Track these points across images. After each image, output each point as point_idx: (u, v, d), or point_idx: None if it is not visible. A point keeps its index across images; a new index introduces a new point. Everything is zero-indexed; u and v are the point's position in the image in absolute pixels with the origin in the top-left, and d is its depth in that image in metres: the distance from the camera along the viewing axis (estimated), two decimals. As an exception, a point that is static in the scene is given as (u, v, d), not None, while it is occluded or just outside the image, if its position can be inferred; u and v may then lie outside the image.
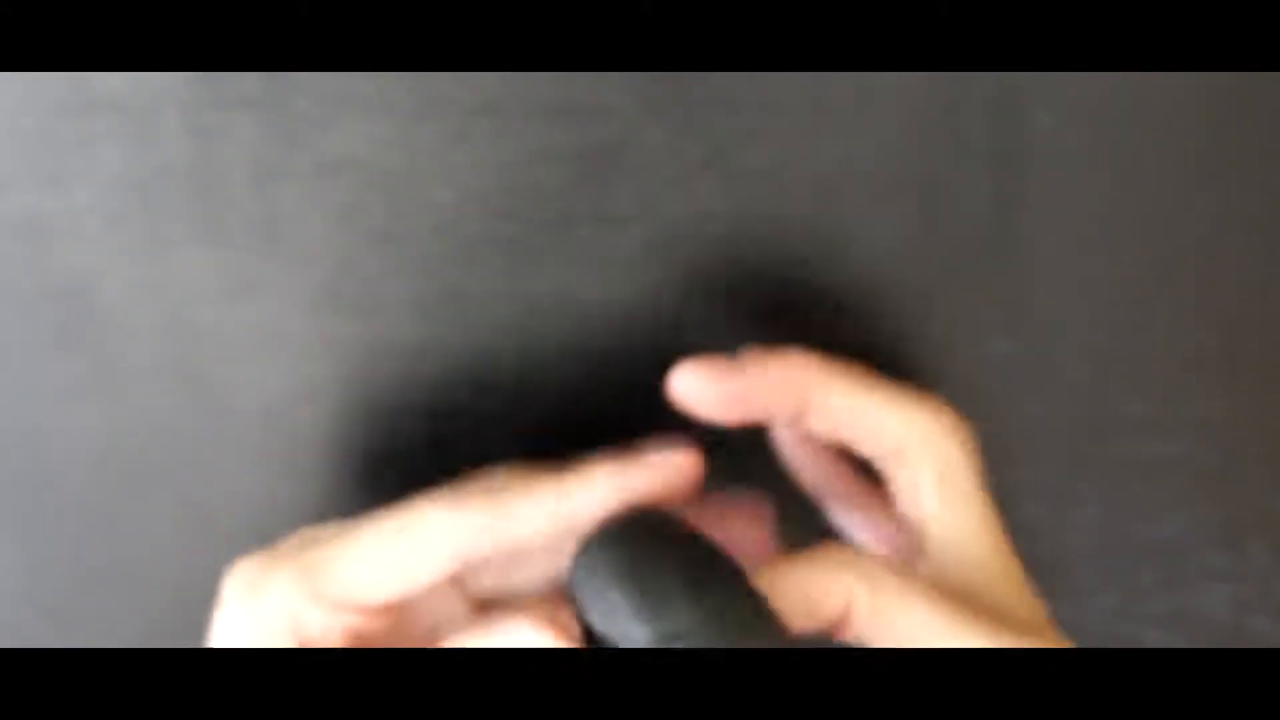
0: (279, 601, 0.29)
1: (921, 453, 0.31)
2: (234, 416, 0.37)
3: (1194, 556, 0.38)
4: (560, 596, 0.33)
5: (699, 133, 0.35)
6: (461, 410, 0.37)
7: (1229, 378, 0.37)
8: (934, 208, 0.36)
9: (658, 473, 0.30)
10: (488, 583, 0.33)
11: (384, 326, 0.37)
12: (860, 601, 0.29)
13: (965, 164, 0.35)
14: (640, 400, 0.37)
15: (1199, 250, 0.36)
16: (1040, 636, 0.29)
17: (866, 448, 0.32)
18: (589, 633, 0.29)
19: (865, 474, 0.36)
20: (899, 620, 0.29)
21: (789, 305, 0.36)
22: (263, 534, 0.38)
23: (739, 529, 0.33)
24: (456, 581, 0.33)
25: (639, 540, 0.28)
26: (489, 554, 0.30)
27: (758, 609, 0.28)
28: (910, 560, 0.33)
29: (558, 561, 0.32)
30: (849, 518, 0.35)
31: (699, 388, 0.31)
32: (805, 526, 0.38)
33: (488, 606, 0.33)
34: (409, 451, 0.38)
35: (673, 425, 0.37)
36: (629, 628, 0.27)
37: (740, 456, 0.37)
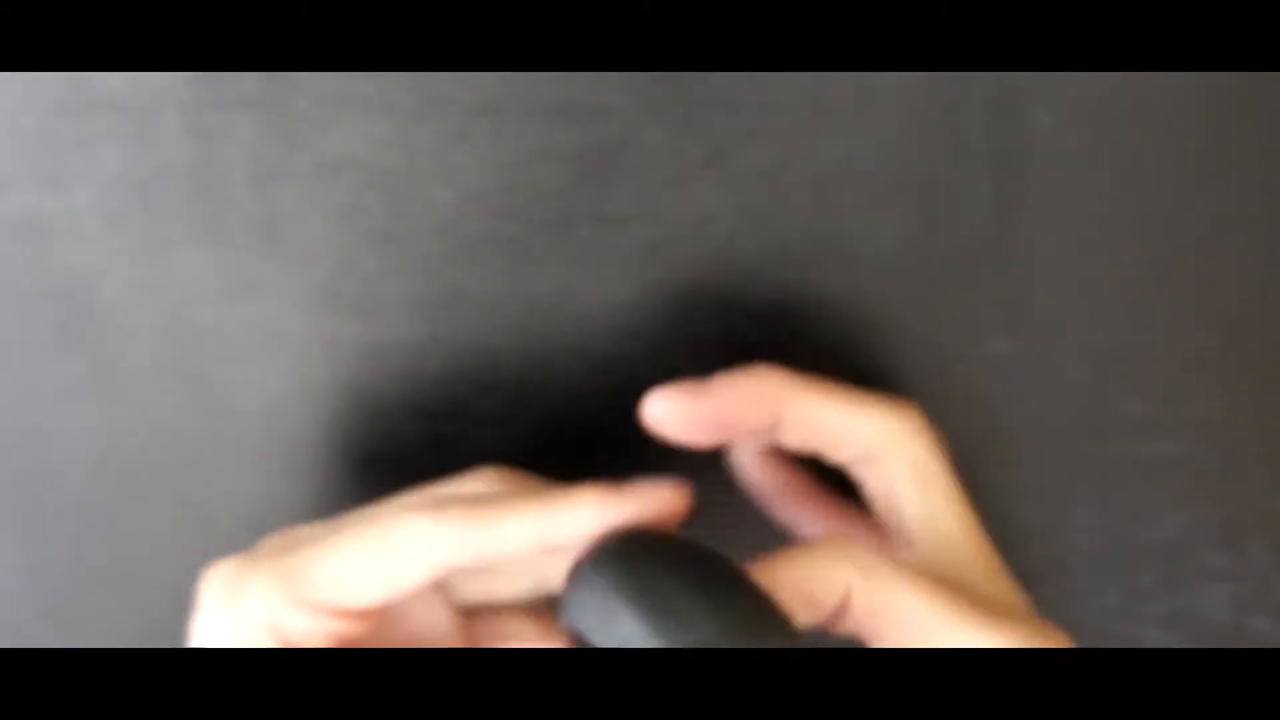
0: (258, 605, 0.29)
1: (895, 454, 0.32)
2: (234, 416, 0.37)
3: (1194, 556, 0.38)
4: (546, 609, 0.33)
5: (699, 133, 0.35)
6: (461, 410, 0.37)
7: (1229, 378, 0.37)
8: (934, 208, 0.36)
9: (644, 502, 0.30)
10: (472, 589, 0.33)
11: (384, 326, 0.37)
12: (858, 592, 0.29)
13: (965, 164, 0.35)
14: (640, 400, 0.37)
15: (1199, 250, 0.36)
16: (1028, 624, 0.30)
17: (839, 455, 0.32)
18: (573, 637, 0.29)
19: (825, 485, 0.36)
20: (895, 609, 0.29)
21: (789, 305, 0.36)
22: (263, 534, 0.38)
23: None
24: (440, 587, 0.33)
25: (646, 556, 0.28)
26: (470, 565, 0.29)
27: (772, 612, 0.28)
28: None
29: (543, 571, 0.33)
30: (816, 525, 0.35)
31: (672, 412, 0.32)
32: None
33: (472, 613, 0.33)
34: (409, 451, 0.38)
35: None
36: (645, 643, 0.27)
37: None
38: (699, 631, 0.27)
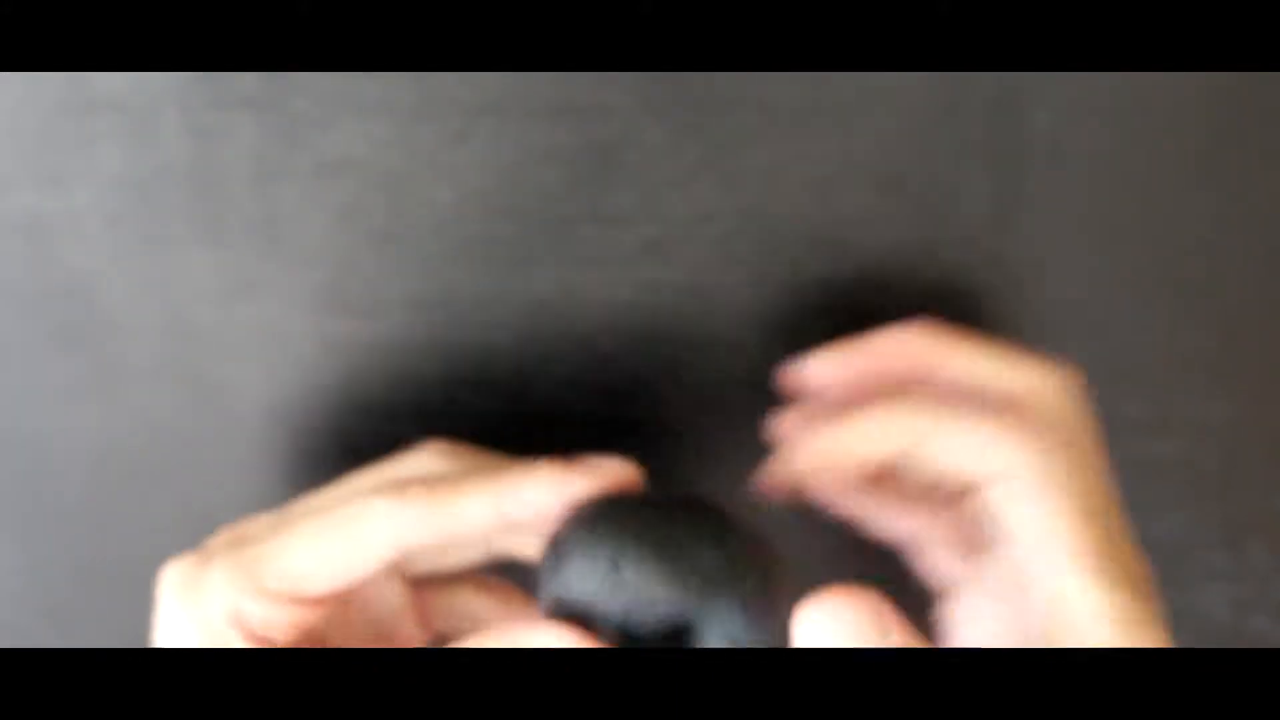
0: (219, 597, 0.29)
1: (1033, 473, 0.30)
2: (234, 416, 0.37)
3: (1194, 556, 0.38)
4: (491, 576, 0.33)
5: (699, 133, 0.35)
6: (461, 410, 0.37)
7: (1229, 378, 0.37)
8: (934, 208, 0.36)
9: (598, 474, 0.30)
10: (423, 564, 0.33)
11: (384, 326, 0.37)
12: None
13: (965, 164, 0.35)
14: (640, 400, 0.37)
15: (1199, 250, 0.36)
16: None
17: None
18: (565, 611, 0.29)
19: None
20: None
21: (789, 305, 0.36)
22: (263, 534, 0.38)
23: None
24: (392, 564, 0.33)
25: (634, 512, 0.29)
26: (430, 545, 0.30)
27: (768, 544, 0.28)
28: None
29: (493, 542, 0.33)
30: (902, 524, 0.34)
31: (831, 372, 0.33)
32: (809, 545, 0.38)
33: (422, 585, 0.34)
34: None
35: (672, 424, 0.37)
36: (655, 591, 0.28)
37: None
38: (709, 569, 0.28)
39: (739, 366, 0.37)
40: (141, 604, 0.39)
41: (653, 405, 0.37)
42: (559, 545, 0.29)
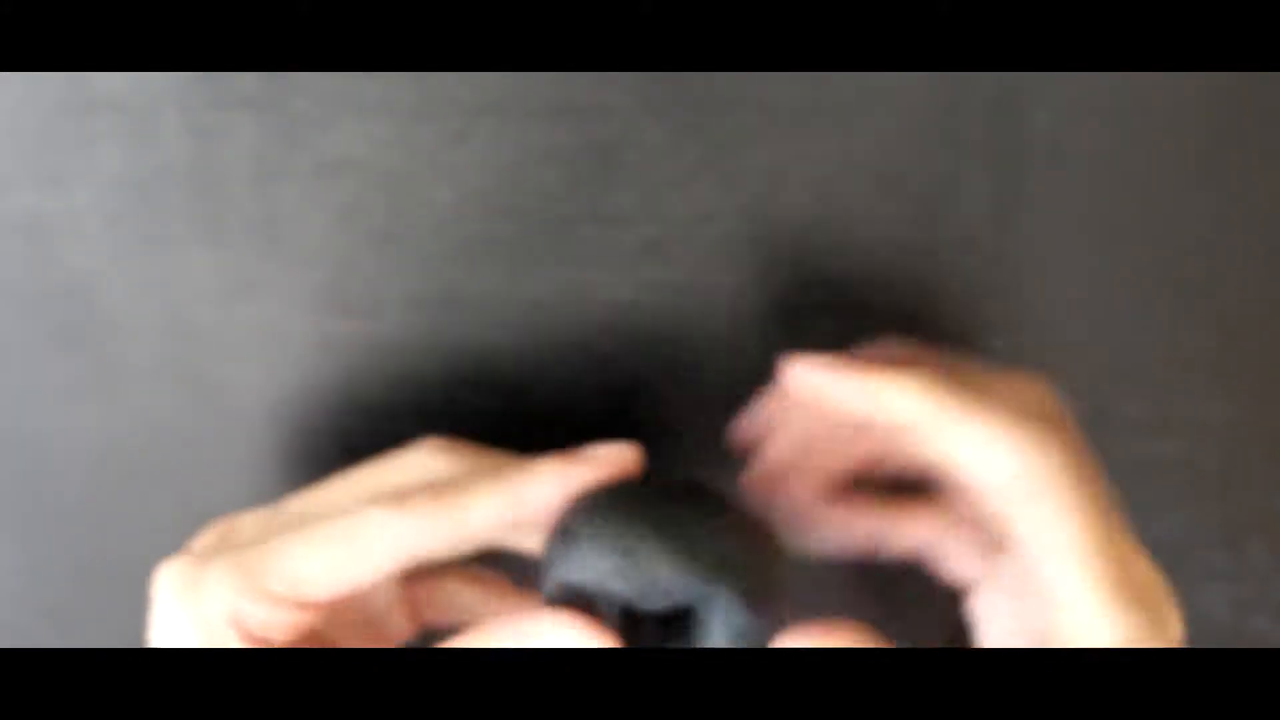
0: (218, 598, 0.29)
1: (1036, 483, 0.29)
2: (234, 416, 0.37)
3: (1194, 556, 0.38)
4: (480, 566, 0.33)
5: (699, 133, 0.35)
6: (461, 410, 0.37)
7: (1229, 378, 0.37)
8: (934, 208, 0.36)
9: (601, 463, 0.30)
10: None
11: (384, 326, 0.37)
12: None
13: (965, 164, 0.35)
14: (640, 400, 0.37)
15: (1199, 250, 0.36)
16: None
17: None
18: (571, 595, 0.29)
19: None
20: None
21: (789, 305, 0.36)
22: (263, 534, 0.38)
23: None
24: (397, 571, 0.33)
25: (641, 497, 0.29)
26: (437, 552, 0.30)
27: (766, 523, 0.28)
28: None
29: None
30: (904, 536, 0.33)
31: (814, 381, 0.31)
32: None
33: (411, 577, 0.34)
34: (409, 451, 0.37)
35: (672, 424, 0.37)
36: (667, 573, 0.28)
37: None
38: (715, 551, 0.28)
39: (739, 366, 0.37)
40: (141, 604, 0.39)
41: (653, 405, 0.37)
42: (565, 532, 0.29)
